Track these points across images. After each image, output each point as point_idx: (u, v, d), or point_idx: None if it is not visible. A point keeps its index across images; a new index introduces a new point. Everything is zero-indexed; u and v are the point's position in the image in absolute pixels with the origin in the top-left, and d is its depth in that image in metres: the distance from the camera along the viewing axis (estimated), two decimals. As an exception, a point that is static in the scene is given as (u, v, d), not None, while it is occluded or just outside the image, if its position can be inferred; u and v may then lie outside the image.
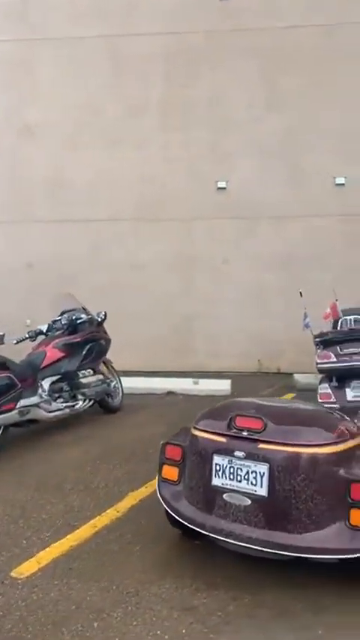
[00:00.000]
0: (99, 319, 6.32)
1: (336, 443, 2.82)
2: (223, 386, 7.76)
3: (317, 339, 5.21)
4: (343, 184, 9.21)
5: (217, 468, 2.91)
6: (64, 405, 5.78)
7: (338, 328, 5.21)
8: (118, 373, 7.06)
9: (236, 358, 9.44)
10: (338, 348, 5.04)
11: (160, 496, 3.27)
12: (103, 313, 6.34)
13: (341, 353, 5.01)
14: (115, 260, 9.57)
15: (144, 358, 9.55)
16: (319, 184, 9.24)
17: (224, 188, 9.41)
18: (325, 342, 5.16)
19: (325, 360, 5.09)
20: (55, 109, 9.55)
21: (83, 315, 6.14)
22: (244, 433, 2.89)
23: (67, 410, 5.83)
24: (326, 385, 5.20)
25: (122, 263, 9.57)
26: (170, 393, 7.77)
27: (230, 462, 2.87)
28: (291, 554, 2.67)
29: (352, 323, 5.14)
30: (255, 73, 9.29)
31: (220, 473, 2.90)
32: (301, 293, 5.77)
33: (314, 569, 2.89)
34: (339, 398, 5.08)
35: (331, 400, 5.14)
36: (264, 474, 2.75)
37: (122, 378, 7.83)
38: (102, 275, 9.57)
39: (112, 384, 6.72)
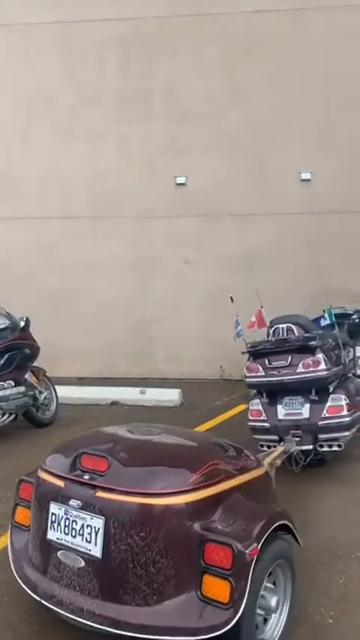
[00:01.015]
0: (22, 324, 5.79)
1: (193, 490, 2.28)
2: (172, 396, 7.24)
3: (247, 350, 4.67)
4: (309, 180, 8.66)
5: (53, 518, 2.39)
6: (-23, 420, 5.28)
7: (269, 338, 4.68)
8: (53, 382, 6.55)
9: (198, 364, 8.91)
10: (267, 360, 4.50)
11: (10, 543, 2.76)
12: (25, 318, 5.83)
13: (269, 366, 4.47)
14: (70, 260, 9.04)
15: (100, 364, 9.05)
16: (284, 180, 8.69)
17: (184, 184, 8.87)
18: (255, 353, 4.63)
19: (253, 374, 4.55)
20: (5, 100, 9.02)
21: (1, 322, 5.62)
22: (86, 477, 2.36)
23: (-19, 426, 5.33)
24: (257, 401, 4.66)
25: (77, 263, 9.04)
26: (114, 403, 7.25)
27: (66, 512, 2.34)
28: (124, 633, 2.14)
29: (285, 332, 4.61)
30: (215, 62, 8.74)
31: (55, 525, 2.37)
32: (232, 298, 5.21)
33: None
34: (270, 416, 4.53)
35: (262, 418, 4.59)
36: (99, 529, 2.23)
37: (66, 387, 7.34)
38: (56, 276, 9.06)
39: (43, 396, 6.20)
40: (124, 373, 8.85)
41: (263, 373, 4.49)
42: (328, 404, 4.34)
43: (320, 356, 4.28)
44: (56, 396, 6.50)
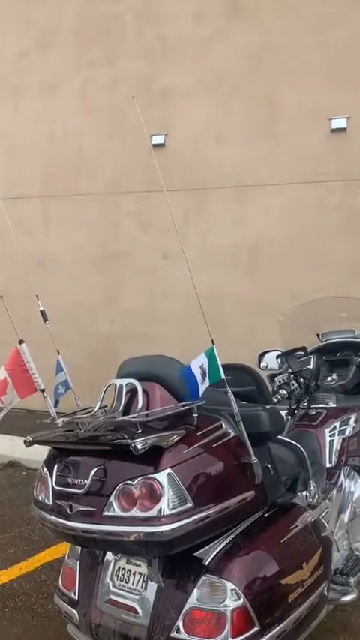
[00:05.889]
0: None
1: None
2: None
3: (33, 438, 2.04)
4: (344, 129, 5.71)
5: None
6: None
7: (114, 401, 2.00)
8: None
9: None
10: (56, 472, 1.86)
11: None
12: None
13: (59, 487, 1.82)
14: (18, 255, 6.89)
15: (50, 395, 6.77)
16: (307, 133, 5.81)
17: (162, 145, 6.31)
18: (55, 446, 1.99)
19: (40, 496, 1.93)
20: None
21: None
22: None
23: None
24: (74, 553, 2.03)
25: (26, 258, 6.85)
26: (12, 464, 4.89)
27: None
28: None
29: (122, 396, 1.90)
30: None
31: None
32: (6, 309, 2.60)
33: None
34: (84, 593, 1.89)
35: (71, 594, 1.97)
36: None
37: None
38: (1, 275, 6.98)
39: None
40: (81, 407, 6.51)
41: (50, 501, 1.88)
42: (189, 604, 1.63)
43: (164, 476, 1.60)
44: None
